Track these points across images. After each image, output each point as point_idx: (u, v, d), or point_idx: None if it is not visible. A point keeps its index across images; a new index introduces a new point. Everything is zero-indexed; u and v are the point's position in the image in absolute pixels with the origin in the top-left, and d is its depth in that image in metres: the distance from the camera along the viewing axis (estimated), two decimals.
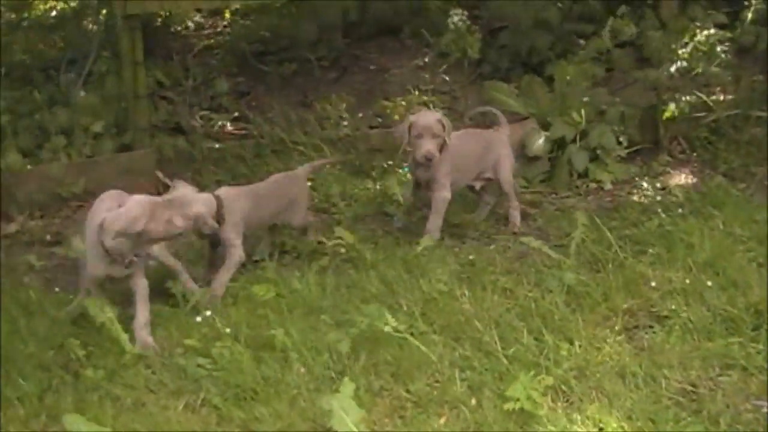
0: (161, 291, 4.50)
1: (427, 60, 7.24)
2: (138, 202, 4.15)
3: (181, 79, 6.96)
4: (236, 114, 6.78)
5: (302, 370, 3.88)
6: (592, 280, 4.41)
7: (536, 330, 4.04)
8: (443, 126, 4.94)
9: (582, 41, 6.65)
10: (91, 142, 5.97)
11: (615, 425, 3.43)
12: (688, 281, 4.31)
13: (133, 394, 3.83)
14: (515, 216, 5.26)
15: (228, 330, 4.16)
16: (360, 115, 6.61)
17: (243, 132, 6.58)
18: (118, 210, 4.15)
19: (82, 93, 6.37)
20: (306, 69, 7.24)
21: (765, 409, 3.49)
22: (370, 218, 5.44)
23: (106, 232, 4.10)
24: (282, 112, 6.60)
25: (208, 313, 4.30)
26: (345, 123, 6.38)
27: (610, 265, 4.49)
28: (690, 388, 3.68)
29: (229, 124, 6.68)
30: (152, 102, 6.45)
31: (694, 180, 5.66)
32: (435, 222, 5.01)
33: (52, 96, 6.46)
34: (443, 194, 5.01)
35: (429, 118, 4.97)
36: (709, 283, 4.26)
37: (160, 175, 5.79)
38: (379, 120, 6.62)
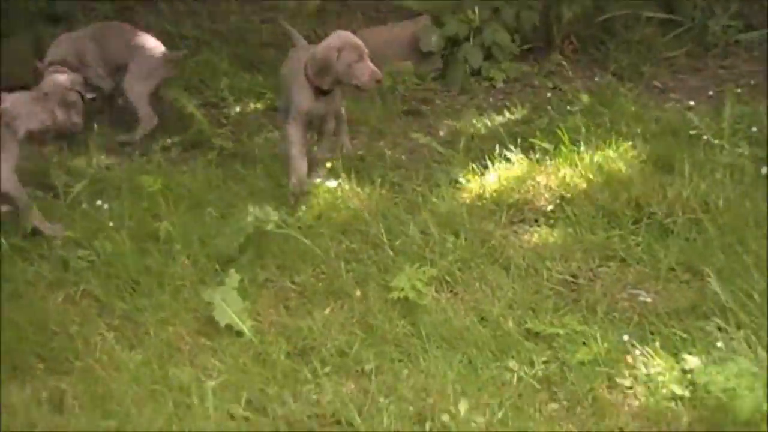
0: (41, 184, 4.35)
1: None
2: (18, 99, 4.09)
3: None
4: (123, 5, 6.50)
5: (186, 261, 3.82)
6: (479, 176, 4.43)
7: (423, 223, 4.05)
8: None
9: None
10: None
11: (496, 314, 3.50)
12: (573, 177, 4.36)
13: (8, 286, 3.72)
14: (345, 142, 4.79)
15: (111, 223, 4.06)
16: (251, 8, 6.42)
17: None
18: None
19: None
20: None
21: (641, 297, 3.61)
22: (260, 113, 5.33)
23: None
24: (170, 3, 6.36)
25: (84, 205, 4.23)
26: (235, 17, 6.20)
27: (498, 161, 4.51)
28: (570, 278, 3.76)
29: (115, 13, 6.39)
30: None
31: (584, 79, 5.70)
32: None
33: None
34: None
35: (357, 38, 4.28)
36: (593, 179, 4.32)
37: (39, 64, 5.51)
38: (270, 15, 6.44)
